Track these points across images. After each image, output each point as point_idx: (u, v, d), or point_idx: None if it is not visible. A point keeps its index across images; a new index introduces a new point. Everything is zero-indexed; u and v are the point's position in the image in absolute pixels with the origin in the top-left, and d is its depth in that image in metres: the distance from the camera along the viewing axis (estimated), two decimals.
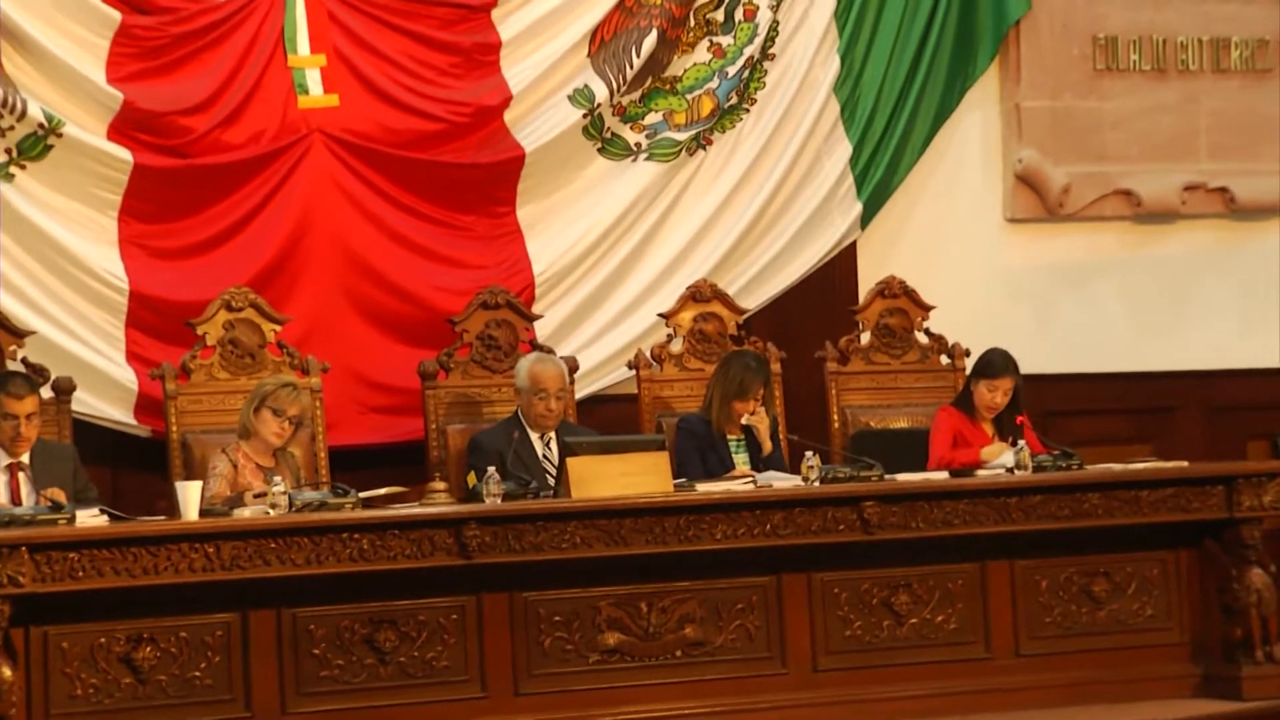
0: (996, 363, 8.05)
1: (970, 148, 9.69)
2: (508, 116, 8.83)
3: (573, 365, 8.35)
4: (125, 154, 8.24)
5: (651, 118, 9.13)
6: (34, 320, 8.04)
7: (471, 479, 7.46)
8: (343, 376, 8.38)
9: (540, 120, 8.89)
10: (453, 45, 8.82)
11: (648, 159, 9.10)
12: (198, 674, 6.55)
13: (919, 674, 7.25)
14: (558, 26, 8.95)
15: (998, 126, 9.72)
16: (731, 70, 9.22)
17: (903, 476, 7.44)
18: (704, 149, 9.21)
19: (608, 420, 8.58)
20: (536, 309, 8.69)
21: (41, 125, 8.12)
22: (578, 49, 8.95)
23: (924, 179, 9.58)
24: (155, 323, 8.29)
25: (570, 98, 8.91)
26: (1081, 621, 7.47)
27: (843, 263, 9.40)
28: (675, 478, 7.27)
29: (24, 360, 7.76)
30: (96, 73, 8.25)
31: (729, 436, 8.00)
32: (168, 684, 6.52)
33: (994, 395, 8.03)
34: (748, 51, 9.24)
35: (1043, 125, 9.71)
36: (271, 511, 6.66)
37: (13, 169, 8.15)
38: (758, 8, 9.24)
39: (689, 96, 9.18)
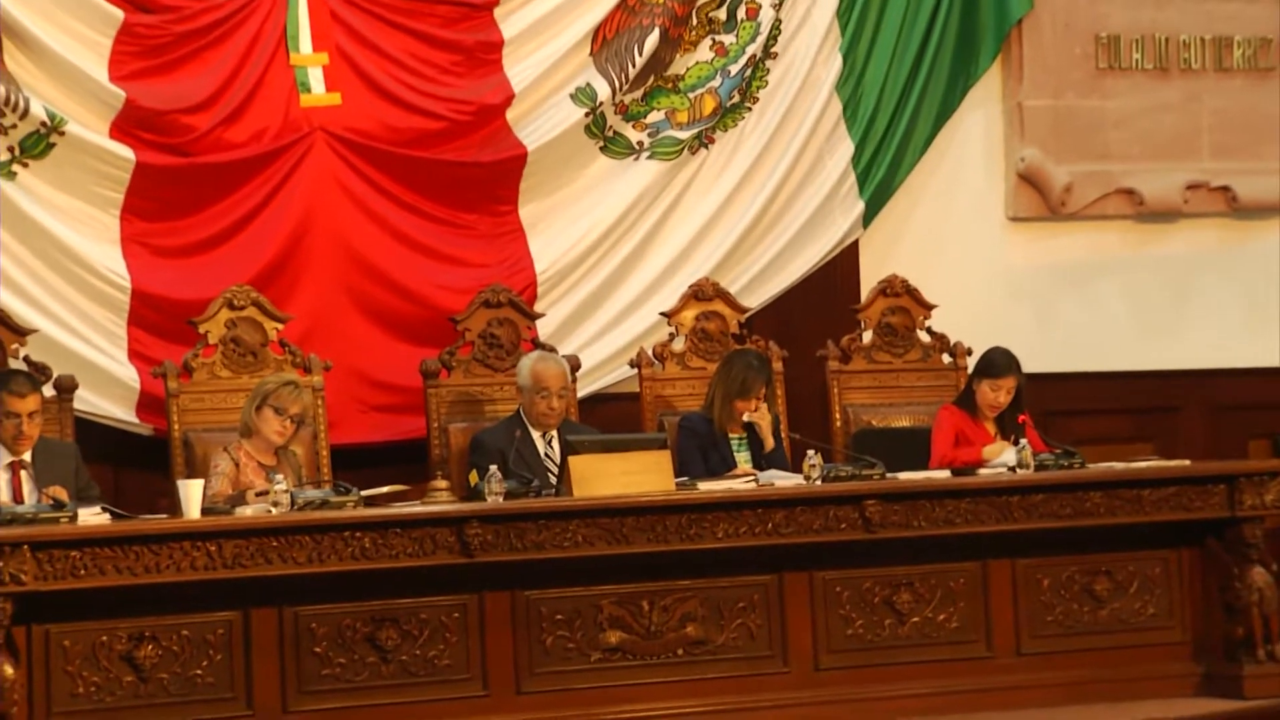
0: (999, 362, 8.05)
1: (972, 147, 9.68)
2: (510, 115, 8.83)
3: (574, 364, 8.35)
4: (127, 152, 8.24)
5: (654, 116, 9.13)
6: (36, 318, 8.05)
7: (473, 477, 7.46)
8: (345, 375, 8.38)
9: (542, 119, 8.89)
10: (455, 44, 8.82)
11: (650, 157, 9.11)
12: (199, 672, 6.56)
13: (921, 673, 7.25)
14: (560, 25, 8.95)
15: (1000, 125, 9.72)
16: (734, 69, 9.22)
17: (904, 475, 7.44)
18: (706, 148, 9.21)
19: (609, 419, 8.58)
20: (538, 307, 8.69)
21: (44, 123, 8.12)
22: (580, 47, 8.95)
23: (926, 178, 9.58)
24: (157, 321, 8.29)
25: (572, 96, 8.91)
26: (1083, 620, 7.47)
27: (845, 261, 9.40)
28: (677, 476, 7.28)
29: (26, 358, 7.76)
30: (99, 71, 8.25)
31: (731, 435, 8.00)
32: (169, 682, 6.52)
33: (996, 394, 8.03)
34: (750, 50, 9.24)
35: (1045, 124, 9.71)
36: (273, 510, 6.66)
37: (15, 167, 8.16)
38: (760, 6, 9.24)
39: (691, 95, 9.18)
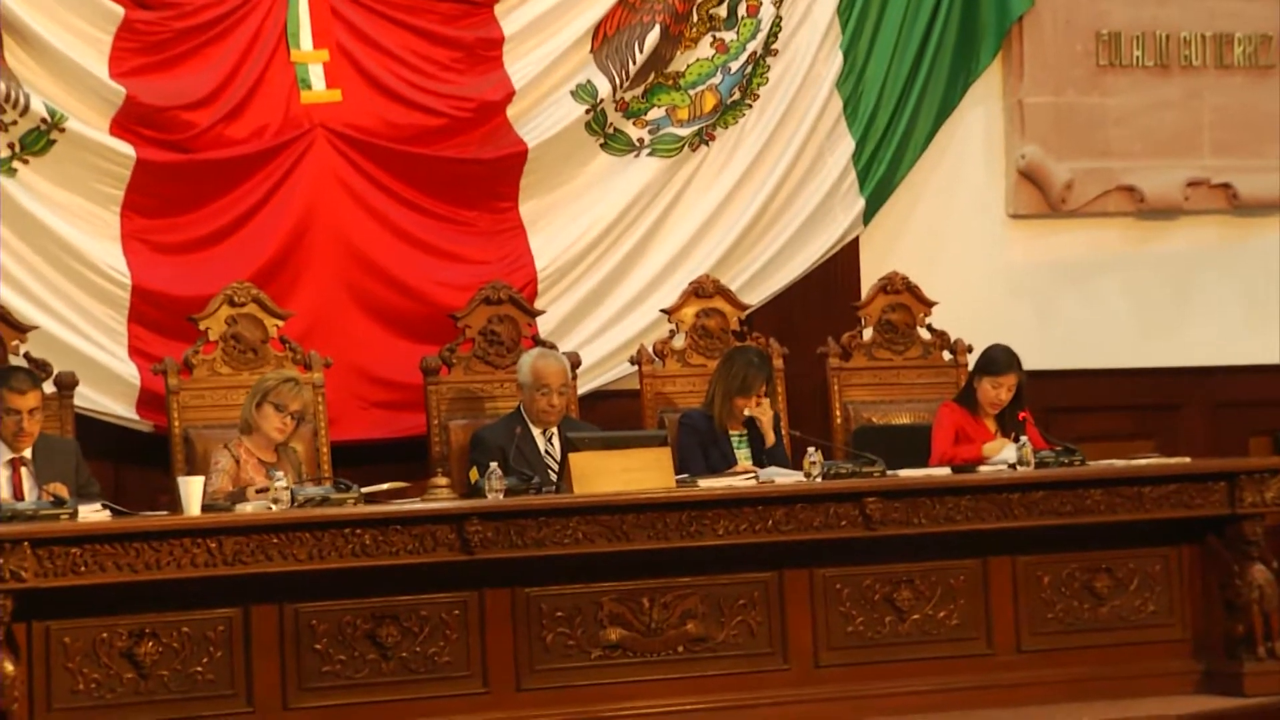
0: (1000, 359, 8.05)
1: (973, 144, 9.68)
2: (510, 112, 8.83)
3: (575, 361, 8.35)
4: (128, 149, 8.24)
5: (654, 113, 9.12)
6: (36, 315, 8.05)
7: (474, 474, 7.47)
8: (345, 372, 8.38)
9: (543, 116, 8.89)
10: (455, 40, 8.82)
11: (650, 154, 9.10)
12: (200, 669, 6.56)
13: (921, 670, 7.25)
14: (561, 22, 8.95)
15: (1000, 122, 9.71)
16: (734, 66, 9.22)
17: (905, 472, 7.45)
18: (707, 144, 9.21)
19: (610, 416, 8.58)
20: (539, 304, 8.69)
21: (44, 120, 8.12)
22: (580, 44, 8.95)
23: (926, 175, 9.57)
24: (158, 318, 8.29)
25: (573, 93, 8.91)
26: (1083, 617, 7.47)
27: (845, 258, 9.40)
28: (677, 473, 7.27)
29: (26, 355, 7.76)
30: (99, 67, 8.25)
31: (731, 432, 8.00)
32: (169, 679, 6.52)
33: (998, 391, 8.03)
34: (750, 47, 9.24)
35: (1045, 121, 9.71)
36: (274, 507, 6.65)
37: (15, 164, 8.15)
38: (761, 3, 9.24)
39: (692, 92, 9.18)
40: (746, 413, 7.95)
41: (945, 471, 7.58)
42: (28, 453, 7.26)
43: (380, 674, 6.74)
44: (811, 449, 7.31)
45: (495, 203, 8.84)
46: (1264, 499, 7.45)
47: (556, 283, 8.88)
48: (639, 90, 9.08)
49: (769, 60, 9.29)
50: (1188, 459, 7.85)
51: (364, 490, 6.91)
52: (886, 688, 7.19)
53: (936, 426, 8.08)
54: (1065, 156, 9.72)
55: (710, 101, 9.20)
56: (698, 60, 9.20)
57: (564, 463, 7.12)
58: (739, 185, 9.19)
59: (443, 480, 7.34)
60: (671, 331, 8.61)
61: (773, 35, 9.28)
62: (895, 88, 9.43)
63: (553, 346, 8.31)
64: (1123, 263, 9.85)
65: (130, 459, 8.27)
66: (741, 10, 9.23)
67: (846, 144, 9.36)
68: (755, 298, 9.06)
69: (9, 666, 6.20)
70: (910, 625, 7.29)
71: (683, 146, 9.15)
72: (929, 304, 8.82)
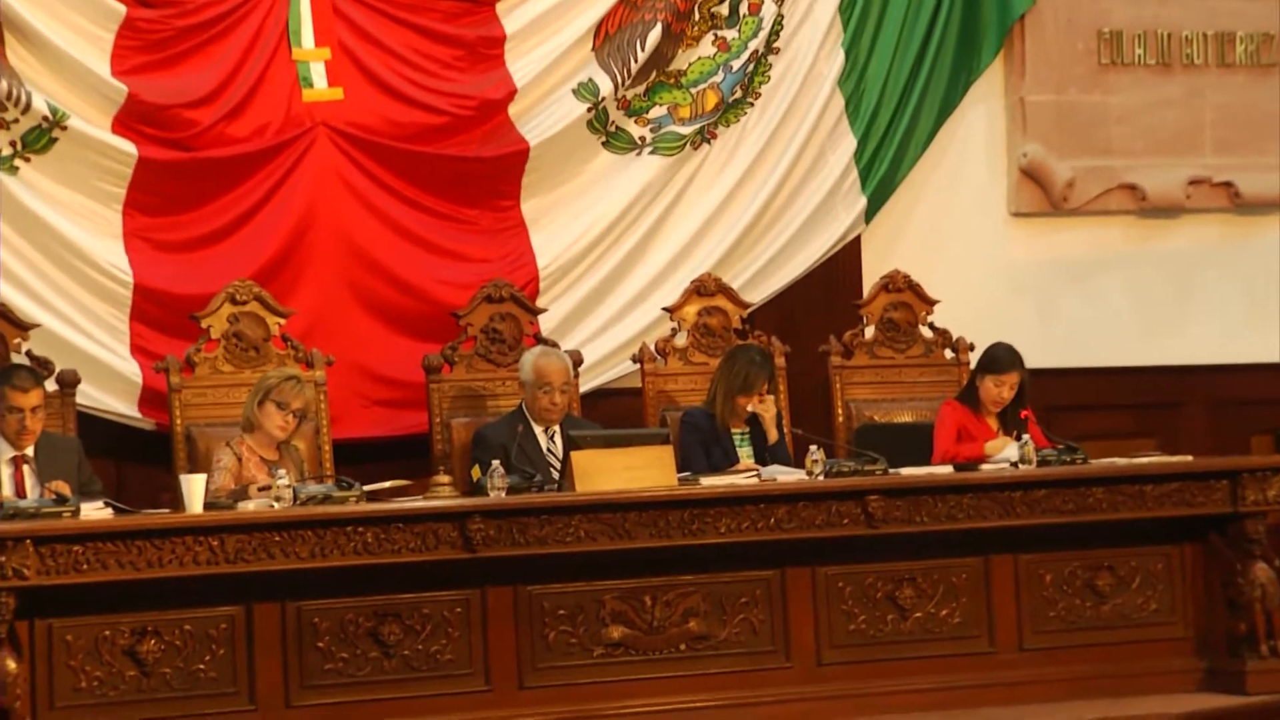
0: (1002, 358, 8.04)
1: (974, 142, 9.68)
2: (512, 110, 8.83)
3: (577, 359, 8.35)
4: (129, 147, 8.24)
5: (656, 111, 9.12)
6: (38, 313, 8.05)
7: (476, 472, 7.47)
8: (347, 370, 8.38)
9: (544, 114, 8.89)
10: (457, 39, 8.82)
11: (652, 153, 9.10)
12: (202, 667, 6.56)
13: (923, 668, 7.25)
14: (562, 20, 8.95)
15: (1002, 121, 9.71)
16: (736, 64, 9.22)
17: (907, 471, 7.44)
18: (708, 143, 9.21)
19: (612, 414, 8.58)
20: (540, 303, 8.69)
21: (46, 118, 8.12)
22: (582, 43, 8.95)
23: (928, 173, 9.57)
24: (159, 316, 8.29)
25: (575, 91, 8.91)
26: (1085, 616, 7.47)
27: (847, 257, 9.40)
28: (679, 471, 7.27)
29: (28, 353, 7.76)
30: (101, 65, 8.25)
31: (733, 430, 8.00)
32: (172, 677, 6.53)
33: (1000, 390, 8.03)
34: (752, 45, 9.24)
35: (1047, 119, 9.71)
36: (276, 505, 6.65)
37: (17, 162, 8.15)
38: (762, 1, 9.24)
39: (693, 90, 9.18)
40: (749, 409, 7.95)
41: (947, 470, 7.57)
42: (30, 451, 7.26)
43: (382, 672, 6.74)
44: (813, 447, 7.31)
45: (497, 201, 8.84)
46: (1266, 497, 7.45)
47: (558, 281, 8.88)
48: (641, 88, 9.07)
49: (771, 58, 9.29)
50: (1189, 457, 7.84)
51: (366, 488, 6.90)
52: (888, 686, 7.19)
53: (938, 425, 8.07)
54: (1067, 155, 9.72)
55: (712, 100, 9.20)
56: (699, 58, 9.20)
57: (566, 461, 7.12)
58: (741, 184, 9.19)
59: (445, 478, 7.35)
60: (673, 330, 8.61)
61: (774, 33, 9.28)
62: (897, 86, 9.42)
63: (555, 345, 8.31)
64: (1124, 261, 9.85)
65: (132, 457, 8.27)
66: (743, 8, 9.23)
67: (848, 142, 9.36)
68: (757, 296, 9.06)
69: (11, 665, 6.20)
70: (912, 623, 7.29)
71: (684, 145, 9.15)
72: (931, 302, 8.82)
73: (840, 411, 8.62)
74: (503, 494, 6.90)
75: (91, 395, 8.08)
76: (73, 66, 8.20)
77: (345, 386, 8.38)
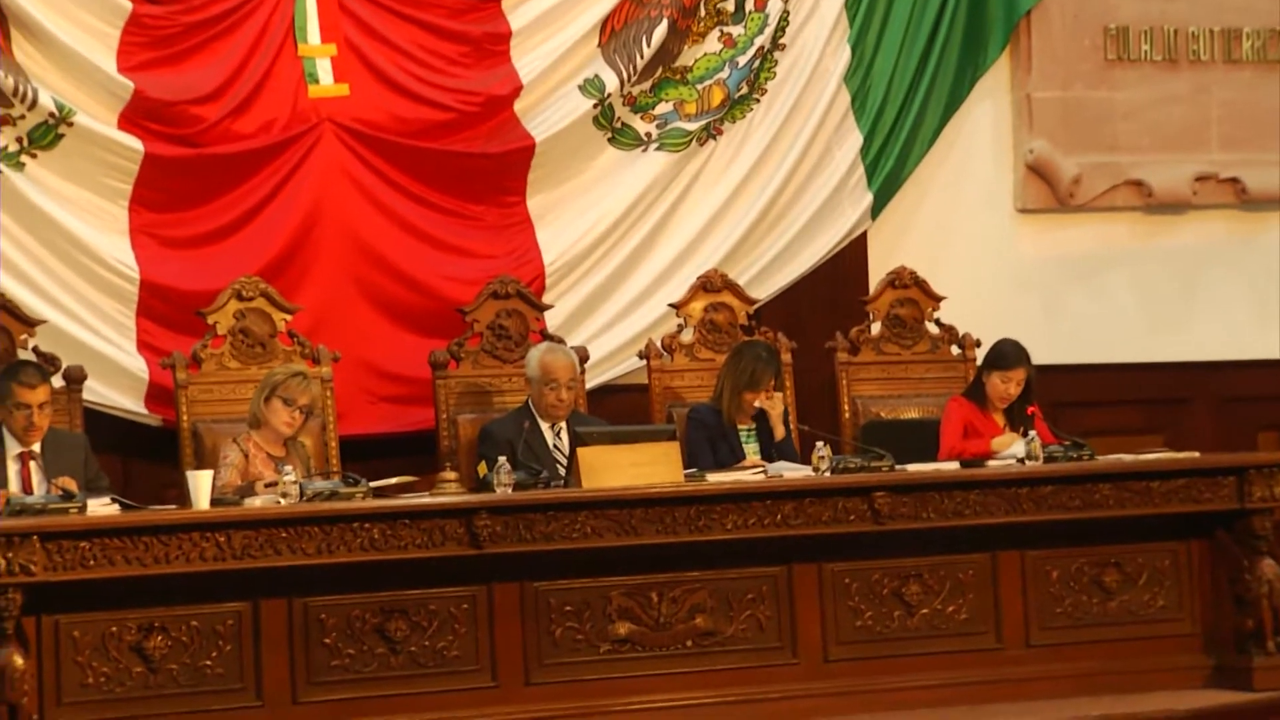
0: (1009, 354, 8.04)
1: (981, 138, 9.68)
2: (518, 106, 8.83)
3: (583, 355, 8.34)
4: (136, 143, 8.24)
5: (662, 108, 9.12)
6: (45, 309, 8.05)
7: (482, 469, 7.47)
8: (353, 366, 8.38)
9: (551, 110, 8.89)
10: (463, 35, 8.82)
11: (658, 149, 9.10)
12: (209, 663, 6.56)
13: (930, 664, 7.25)
14: (568, 16, 8.95)
15: (1008, 117, 9.71)
16: (742, 60, 9.22)
17: (913, 467, 7.44)
18: (714, 139, 9.20)
19: (618, 410, 8.58)
20: (547, 299, 8.69)
21: (52, 114, 8.12)
22: (588, 39, 8.95)
23: (934, 169, 9.57)
24: (166, 312, 8.29)
25: (581, 88, 8.91)
26: (1092, 612, 7.47)
27: (853, 253, 9.40)
28: (686, 468, 7.27)
29: (35, 349, 7.77)
30: (107, 62, 8.25)
31: (739, 426, 8.00)
32: (179, 673, 6.52)
33: (1007, 386, 8.02)
34: (758, 41, 9.23)
35: (1054, 115, 9.70)
36: (282, 501, 6.66)
37: (24, 158, 8.16)
38: None
39: (699, 86, 9.18)
40: (756, 405, 7.95)
41: (954, 466, 7.57)
42: (37, 447, 7.27)
43: (389, 668, 6.73)
44: (820, 443, 7.30)
45: (503, 197, 8.84)
46: (1273, 494, 7.44)
47: (564, 277, 8.88)
48: (647, 85, 9.07)
49: (776, 55, 9.29)
50: (1196, 454, 7.83)
51: (372, 485, 6.91)
52: (895, 682, 7.19)
53: (945, 421, 8.07)
54: (1073, 151, 9.72)
55: (718, 96, 9.20)
56: (705, 55, 9.20)
57: (572, 457, 7.12)
58: (747, 180, 9.19)
59: (451, 475, 7.34)
60: (680, 326, 8.61)
61: (780, 30, 9.28)
62: (903, 82, 9.42)
63: (561, 341, 8.32)
64: (1131, 257, 9.85)
65: (139, 453, 8.27)
66: (749, 4, 9.23)
67: (854, 138, 9.36)
68: (763, 292, 9.06)
69: (18, 660, 6.20)
70: (919, 620, 7.28)
71: (690, 141, 9.15)
72: (937, 299, 8.82)
73: (847, 408, 8.62)
74: (509, 490, 6.91)
75: (98, 391, 8.08)
76: (79, 63, 8.20)
77: (351, 383, 8.39)
